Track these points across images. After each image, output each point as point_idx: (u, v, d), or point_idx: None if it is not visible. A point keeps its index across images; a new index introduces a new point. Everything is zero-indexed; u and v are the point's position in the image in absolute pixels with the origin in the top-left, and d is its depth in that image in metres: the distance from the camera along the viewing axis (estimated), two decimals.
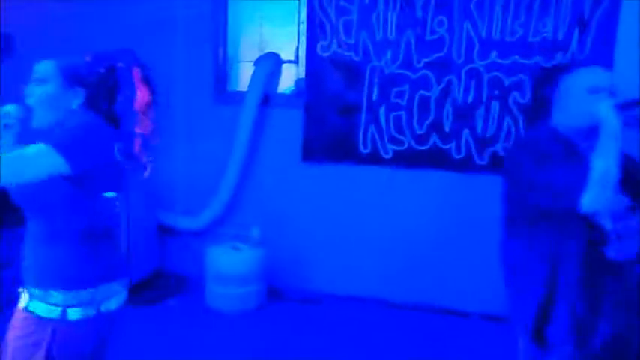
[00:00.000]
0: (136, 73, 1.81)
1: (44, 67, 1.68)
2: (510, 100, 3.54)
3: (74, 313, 1.64)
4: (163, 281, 4.09)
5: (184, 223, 4.17)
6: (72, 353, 1.67)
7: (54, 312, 1.63)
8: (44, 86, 1.66)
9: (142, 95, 1.80)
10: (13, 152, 1.52)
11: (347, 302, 3.95)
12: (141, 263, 3.98)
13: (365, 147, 3.79)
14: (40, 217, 1.65)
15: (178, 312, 3.74)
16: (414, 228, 3.86)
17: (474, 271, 3.77)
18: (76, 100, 1.70)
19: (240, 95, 3.99)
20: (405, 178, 3.80)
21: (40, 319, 1.64)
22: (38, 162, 1.50)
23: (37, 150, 1.50)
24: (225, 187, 4.03)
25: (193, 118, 4.14)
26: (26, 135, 1.68)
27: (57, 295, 1.63)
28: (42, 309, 1.64)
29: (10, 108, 1.67)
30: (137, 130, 1.79)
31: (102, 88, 1.73)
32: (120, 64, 1.76)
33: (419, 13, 3.56)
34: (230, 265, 3.75)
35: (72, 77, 1.68)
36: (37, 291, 1.65)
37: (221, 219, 4.12)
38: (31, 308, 1.65)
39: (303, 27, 3.81)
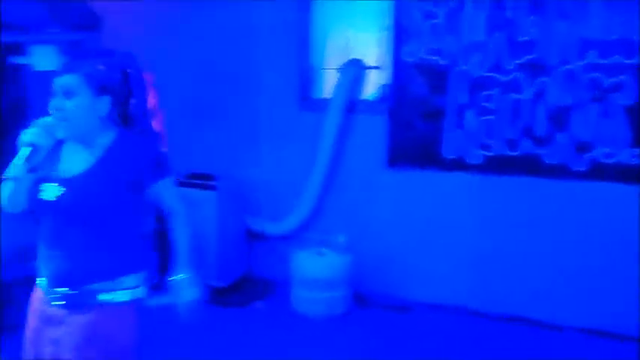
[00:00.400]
0: (147, 76, 1.90)
1: (69, 80, 1.70)
2: (611, 102, 3.32)
3: (141, 292, 1.85)
4: (251, 285, 4.22)
5: (270, 227, 4.27)
6: (138, 330, 1.86)
7: (129, 294, 1.81)
8: (74, 99, 1.70)
9: (151, 98, 1.89)
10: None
11: (435, 311, 3.87)
12: (230, 267, 4.13)
13: (451, 152, 3.70)
14: (99, 223, 1.75)
15: (265, 315, 3.84)
16: (503, 236, 3.72)
17: (568, 283, 3.59)
18: (104, 108, 1.75)
19: (325, 102, 4.03)
20: (494, 184, 3.67)
21: (118, 307, 1.78)
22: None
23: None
24: (310, 193, 4.09)
25: (278, 125, 4.23)
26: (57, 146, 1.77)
27: (127, 280, 1.80)
28: (120, 295, 1.79)
29: (47, 120, 1.72)
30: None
31: (122, 94, 1.78)
32: (130, 69, 1.81)
33: (509, 14, 3.43)
34: (316, 270, 3.79)
35: (98, 86, 1.72)
36: (106, 285, 1.78)
37: (306, 224, 4.17)
38: (107, 298, 1.77)
39: (388, 32, 3.79)
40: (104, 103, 1.73)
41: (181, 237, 1.98)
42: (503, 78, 3.51)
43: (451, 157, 3.70)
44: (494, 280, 3.79)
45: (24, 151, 1.65)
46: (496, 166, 3.62)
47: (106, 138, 1.77)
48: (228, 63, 4.29)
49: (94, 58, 1.79)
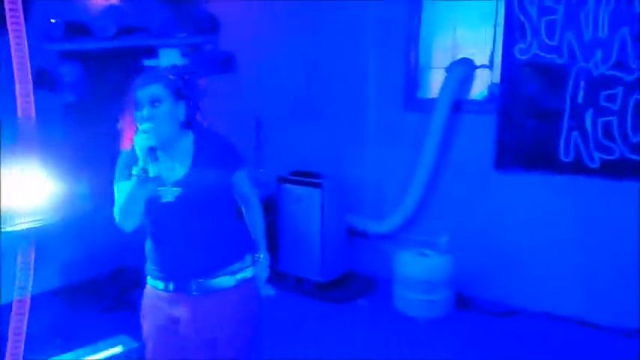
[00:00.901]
0: (201, 82, 2.04)
1: (156, 90, 1.85)
2: None
3: (252, 270, 2.07)
4: (353, 282, 4.27)
5: (373, 226, 4.30)
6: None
7: (247, 273, 2.03)
8: (161, 107, 1.84)
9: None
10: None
11: (540, 318, 3.72)
12: (332, 263, 4.20)
13: (567, 155, 3.53)
14: (212, 215, 1.95)
15: (368, 313, 3.88)
16: (622, 245, 3.49)
17: None
18: (182, 112, 1.90)
19: (431, 102, 3.99)
20: (614, 189, 3.45)
21: (241, 286, 2.00)
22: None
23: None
24: (413, 193, 4.07)
25: (383, 125, 4.24)
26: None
27: (241, 261, 2.01)
28: (248, 272, 2.02)
29: (147, 126, 1.83)
30: None
31: (190, 98, 1.93)
32: (188, 76, 1.96)
33: (637, 9, 3.22)
34: (418, 270, 3.78)
35: (177, 93, 1.88)
36: (235, 266, 1.98)
37: (408, 224, 4.16)
38: (242, 276, 2.00)
39: (500, 30, 3.69)
40: (182, 108, 1.89)
41: (258, 222, 2.15)
42: (627, 77, 3.30)
43: (566, 159, 3.54)
44: (605, 290, 3.57)
45: (146, 158, 1.77)
46: (616, 170, 3.40)
47: (187, 140, 1.94)
48: (334, 63, 4.37)
49: (167, 69, 2.00)
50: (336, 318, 3.78)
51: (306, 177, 4.24)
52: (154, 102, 1.85)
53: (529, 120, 3.63)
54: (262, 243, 2.13)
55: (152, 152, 1.78)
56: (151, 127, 1.80)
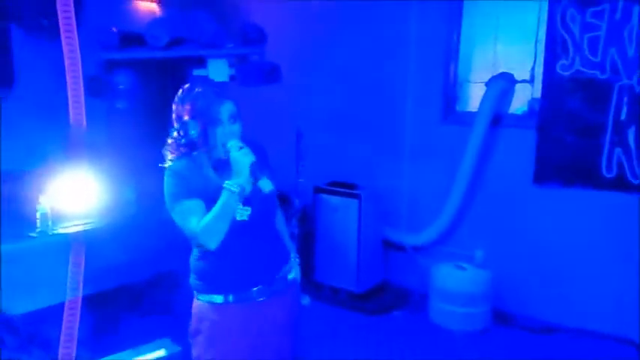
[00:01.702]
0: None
1: (233, 107, 1.93)
2: None
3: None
4: (388, 293, 4.28)
5: (409, 238, 4.31)
6: None
7: (296, 270, 2.19)
8: (237, 123, 1.92)
9: None
10: None
11: (578, 336, 3.67)
12: (368, 274, 4.23)
13: (609, 171, 3.50)
14: (274, 219, 2.10)
15: (404, 324, 3.88)
16: None
17: None
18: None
19: (469, 116, 4.00)
20: None
21: (294, 283, 2.16)
22: None
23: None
24: (450, 206, 4.07)
25: (421, 137, 4.26)
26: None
27: (293, 260, 2.17)
28: (294, 273, 2.17)
29: (235, 143, 1.90)
30: None
31: None
32: None
33: None
34: (456, 283, 3.77)
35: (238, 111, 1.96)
36: (285, 268, 2.12)
37: (444, 237, 4.16)
38: (292, 277, 2.16)
39: (541, 45, 3.69)
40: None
41: (284, 223, 2.23)
42: None
43: (608, 175, 3.50)
44: None
45: (249, 175, 1.85)
46: None
47: None
48: (374, 75, 4.42)
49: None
50: (371, 329, 3.79)
51: (344, 188, 4.29)
52: (232, 118, 1.92)
53: (570, 135, 3.61)
54: (291, 244, 2.21)
55: (254, 168, 1.85)
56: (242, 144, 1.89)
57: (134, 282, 4.06)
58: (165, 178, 1.95)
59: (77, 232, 3.24)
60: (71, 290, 2.65)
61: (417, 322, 3.89)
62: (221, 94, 1.94)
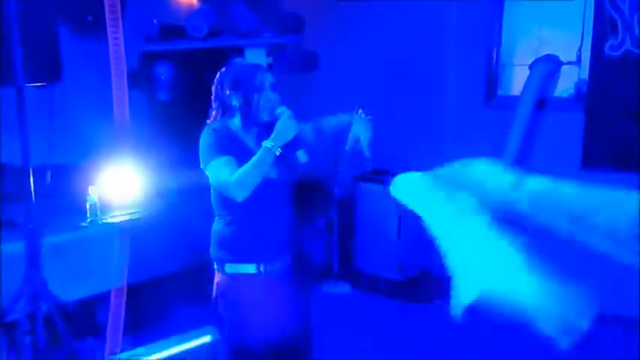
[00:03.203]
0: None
1: (272, 77, 2.10)
2: None
3: None
4: (429, 282, 4.24)
5: None
6: None
7: None
8: (277, 93, 2.08)
9: None
10: None
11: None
12: (409, 262, 4.20)
13: None
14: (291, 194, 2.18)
15: (444, 313, 3.83)
16: None
17: None
18: None
19: (513, 100, 3.89)
20: None
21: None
22: None
23: None
24: None
25: (463, 122, 4.18)
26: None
27: None
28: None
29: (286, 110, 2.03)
30: None
31: None
32: None
33: None
34: None
35: None
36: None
37: None
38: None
39: (588, 25, 3.55)
40: None
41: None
42: None
43: None
44: None
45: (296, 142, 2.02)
46: None
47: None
48: (414, 60, 4.35)
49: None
50: (411, 318, 3.77)
51: (384, 175, 4.25)
52: (272, 86, 2.06)
53: (620, 118, 3.47)
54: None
55: (297, 137, 2.00)
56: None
57: (178, 270, 4.17)
58: (202, 136, 2.08)
59: (124, 221, 3.34)
60: (118, 278, 2.75)
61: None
62: (261, 66, 2.18)
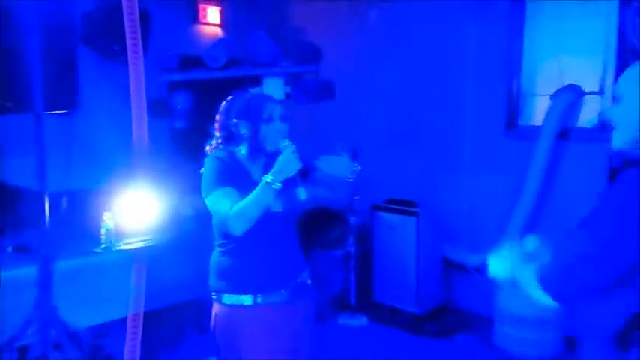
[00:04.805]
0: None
1: (283, 109, 2.08)
2: None
3: None
4: (450, 315, 4.12)
5: (470, 258, 4.14)
6: None
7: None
8: (287, 124, 2.04)
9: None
10: None
11: None
12: (428, 294, 4.09)
13: None
14: (294, 224, 2.15)
15: (466, 348, 3.71)
16: None
17: None
18: None
19: (534, 130, 3.81)
20: None
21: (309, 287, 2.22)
22: None
23: None
24: (515, 225, 3.87)
25: (483, 152, 4.12)
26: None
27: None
28: (307, 277, 2.20)
29: (290, 145, 1.98)
30: None
31: None
32: None
33: None
34: (523, 307, 3.57)
35: None
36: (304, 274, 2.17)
37: None
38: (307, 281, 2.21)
39: (611, 54, 3.49)
40: None
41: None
42: None
43: None
44: None
45: (295, 177, 1.97)
46: None
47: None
48: (433, 89, 4.33)
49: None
50: (432, 353, 3.65)
51: (402, 205, 4.19)
52: (282, 117, 2.03)
53: None
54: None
55: (299, 174, 1.95)
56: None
57: (193, 299, 4.11)
58: (206, 164, 2.04)
59: (139, 248, 3.32)
60: (134, 305, 2.70)
61: (482, 346, 3.70)
62: (271, 97, 2.11)
